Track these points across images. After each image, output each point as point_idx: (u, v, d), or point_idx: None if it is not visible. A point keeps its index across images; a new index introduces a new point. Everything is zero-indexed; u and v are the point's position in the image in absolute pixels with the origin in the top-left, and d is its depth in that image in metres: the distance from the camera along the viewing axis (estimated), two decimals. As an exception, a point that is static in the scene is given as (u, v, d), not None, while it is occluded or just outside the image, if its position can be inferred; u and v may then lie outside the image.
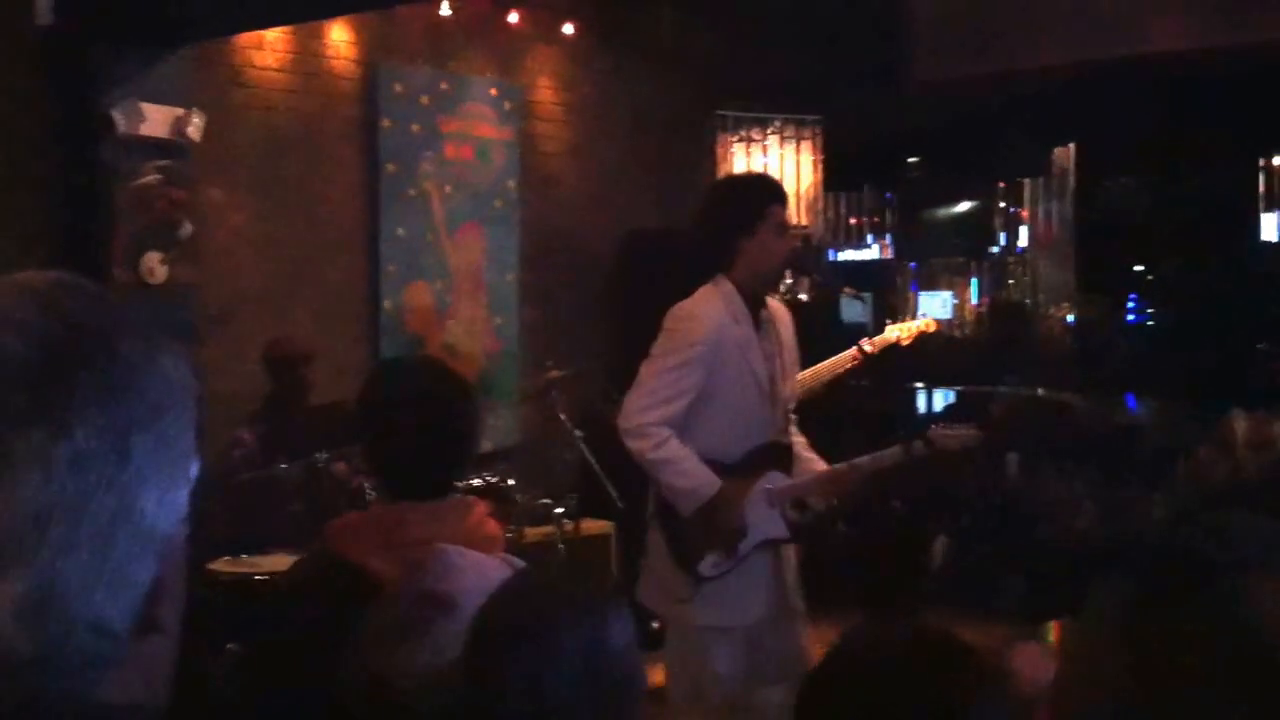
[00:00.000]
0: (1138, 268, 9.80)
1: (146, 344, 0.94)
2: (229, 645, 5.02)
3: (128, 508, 0.88)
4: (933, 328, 5.91)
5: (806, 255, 8.88)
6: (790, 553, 4.45)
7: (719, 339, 4.22)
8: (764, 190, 4.44)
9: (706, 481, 4.19)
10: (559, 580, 2.04)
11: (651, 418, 4.20)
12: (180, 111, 6.29)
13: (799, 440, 4.56)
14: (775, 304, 4.54)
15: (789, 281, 8.75)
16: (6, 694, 0.84)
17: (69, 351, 0.89)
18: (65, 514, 0.85)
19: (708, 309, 4.27)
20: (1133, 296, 9.66)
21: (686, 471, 4.19)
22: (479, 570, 2.22)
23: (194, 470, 0.95)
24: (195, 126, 6.34)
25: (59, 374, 0.87)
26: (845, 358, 5.53)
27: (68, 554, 0.85)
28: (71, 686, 0.86)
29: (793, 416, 4.56)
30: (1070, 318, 9.35)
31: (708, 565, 4.23)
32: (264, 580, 5.16)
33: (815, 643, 4.71)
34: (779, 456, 4.38)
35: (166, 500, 0.91)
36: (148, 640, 0.93)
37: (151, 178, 6.23)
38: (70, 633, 0.86)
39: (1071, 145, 9.24)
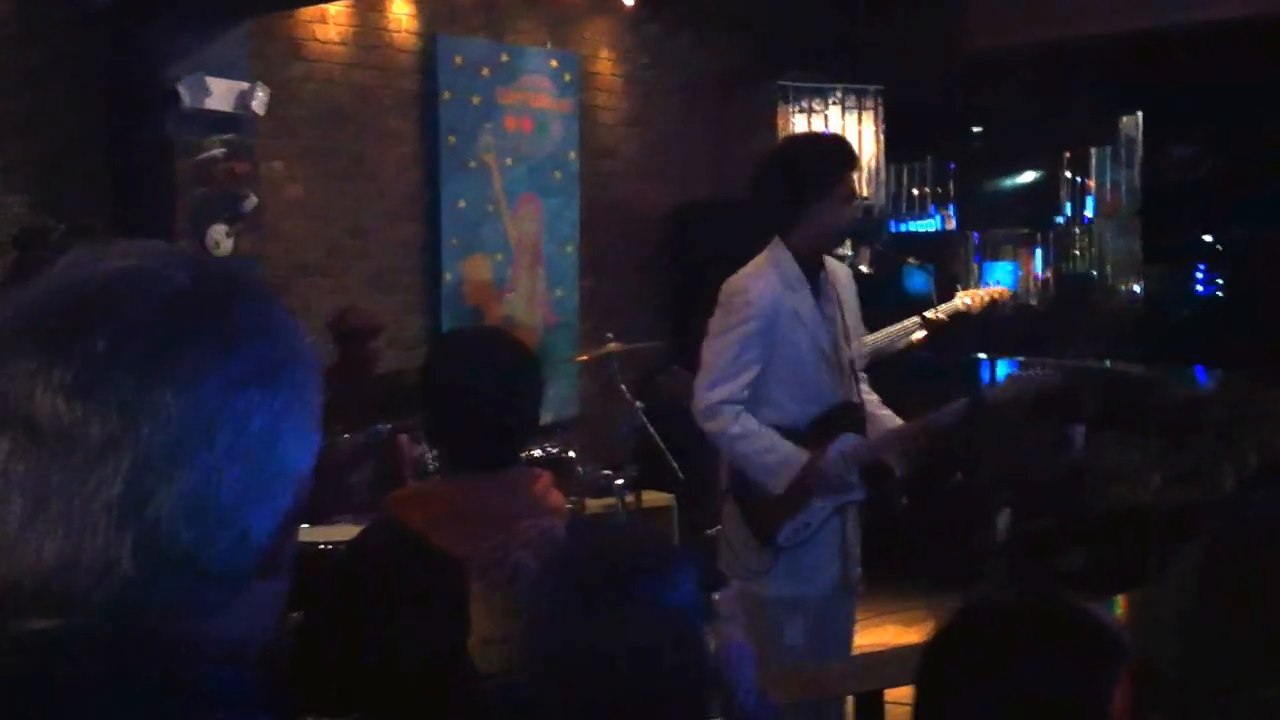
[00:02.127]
0: (1206, 237, 9.64)
1: (279, 305, 1.03)
2: (293, 614, 5.07)
3: (276, 435, 0.96)
4: (1004, 295, 5.79)
5: (868, 226, 8.82)
6: (855, 525, 4.42)
7: (774, 310, 4.17)
8: (839, 154, 4.37)
9: (794, 453, 4.17)
10: (627, 538, 2.02)
11: (721, 395, 4.16)
12: (244, 85, 6.33)
13: (872, 399, 4.51)
14: (833, 264, 4.47)
15: (850, 253, 8.70)
16: (155, 585, 0.92)
17: (225, 289, 0.98)
18: (229, 426, 0.93)
19: (760, 281, 4.21)
20: (1201, 266, 9.51)
21: (770, 446, 4.16)
22: None
23: (319, 436, 1.02)
24: (259, 100, 6.37)
25: (220, 305, 0.97)
26: (908, 326, 5.46)
27: (229, 463, 0.93)
28: (206, 596, 0.94)
29: (863, 376, 4.52)
30: (1137, 288, 9.23)
31: (785, 535, 4.21)
32: (328, 549, 5.19)
33: (878, 616, 4.72)
34: (850, 417, 4.33)
35: (303, 441, 0.99)
36: (266, 582, 0.99)
37: (216, 151, 6.28)
38: (222, 534, 0.94)
39: (1139, 113, 9.09)
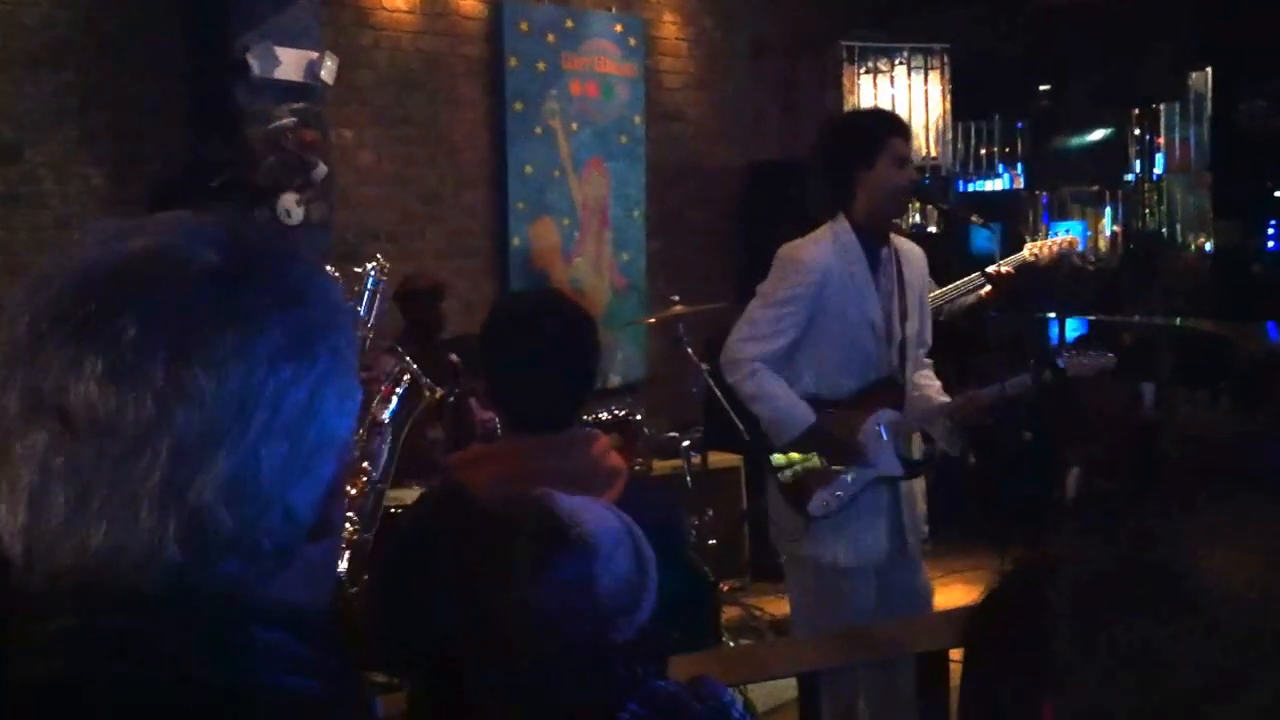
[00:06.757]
0: (1277, 193, 9.49)
1: (314, 267, 1.04)
2: (365, 576, 5.16)
3: (315, 406, 0.97)
4: (1074, 244, 5.71)
5: (933, 187, 8.78)
6: (914, 491, 4.43)
7: (824, 279, 4.20)
8: (882, 122, 4.41)
9: (800, 414, 4.21)
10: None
11: (748, 351, 4.23)
12: (313, 54, 6.39)
13: (924, 378, 4.53)
14: (905, 243, 4.49)
15: (916, 218, 8.66)
16: (204, 568, 0.93)
17: (254, 264, 0.98)
18: (265, 405, 0.94)
19: (815, 249, 4.25)
20: (1271, 222, 9.37)
21: (778, 405, 4.22)
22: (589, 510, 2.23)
23: (360, 392, 1.03)
24: (328, 69, 6.43)
25: (249, 283, 0.96)
26: (972, 281, 5.42)
27: (267, 442, 0.94)
28: (258, 571, 0.95)
29: (927, 361, 4.52)
30: (1207, 245, 9.13)
31: (817, 504, 4.24)
32: (397, 512, 5.26)
33: (945, 575, 4.73)
34: (892, 394, 4.35)
35: (343, 406, 1.00)
36: (318, 544, 1.00)
37: (286, 120, 6.35)
38: (265, 514, 0.95)
39: (1208, 68, 8.97)
